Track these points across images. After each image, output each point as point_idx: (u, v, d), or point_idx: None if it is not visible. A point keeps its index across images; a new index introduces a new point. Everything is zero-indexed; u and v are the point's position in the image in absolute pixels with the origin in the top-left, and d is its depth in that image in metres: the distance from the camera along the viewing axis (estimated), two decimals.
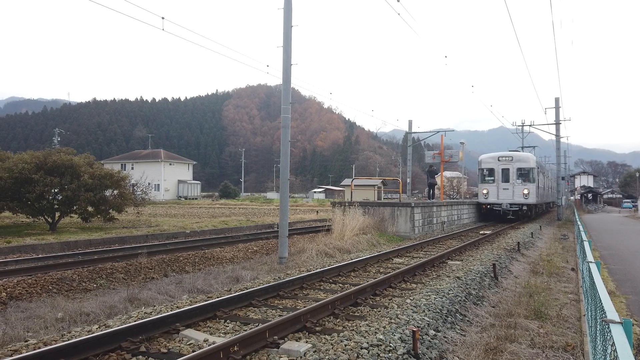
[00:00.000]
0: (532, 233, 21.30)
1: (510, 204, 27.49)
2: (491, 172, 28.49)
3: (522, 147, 42.19)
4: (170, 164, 78.66)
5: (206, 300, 7.15)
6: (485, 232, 20.85)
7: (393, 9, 13.30)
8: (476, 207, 29.98)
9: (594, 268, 5.80)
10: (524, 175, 27.82)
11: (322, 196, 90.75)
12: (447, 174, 64.50)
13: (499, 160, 28.37)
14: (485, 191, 28.40)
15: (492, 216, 29.15)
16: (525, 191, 27.29)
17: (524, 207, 27.53)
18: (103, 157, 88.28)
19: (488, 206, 28.26)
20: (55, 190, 20.53)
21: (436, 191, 28.88)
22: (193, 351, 5.03)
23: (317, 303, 6.59)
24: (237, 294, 7.32)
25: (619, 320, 3.09)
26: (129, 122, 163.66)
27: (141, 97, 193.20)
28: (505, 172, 28.01)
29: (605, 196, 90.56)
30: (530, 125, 41.17)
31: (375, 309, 6.99)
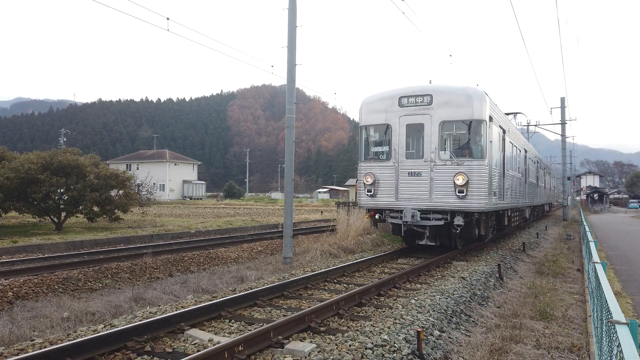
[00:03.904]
0: (537, 233, 21.22)
1: (423, 212, 11.69)
2: (383, 134, 12.56)
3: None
4: (175, 164, 78.91)
5: (211, 300, 7.17)
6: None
7: (398, 8, 13.23)
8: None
9: (600, 268, 5.78)
10: (460, 139, 11.90)
11: (326, 196, 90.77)
12: None
13: (400, 104, 12.11)
14: (368, 180, 12.28)
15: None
16: (460, 180, 11.14)
17: (458, 219, 11.32)
18: (108, 158, 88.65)
19: (377, 215, 12.67)
20: (61, 191, 20.64)
21: None
22: (198, 351, 5.04)
23: (322, 303, 6.59)
24: (241, 293, 7.33)
25: (625, 321, 3.08)
26: (134, 123, 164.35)
27: (146, 97, 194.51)
28: (415, 134, 12.27)
29: (611, 196, 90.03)
30: (535, 125, 40.97)
31: (379, 309, 6.98)
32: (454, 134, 11.65)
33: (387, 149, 12.13)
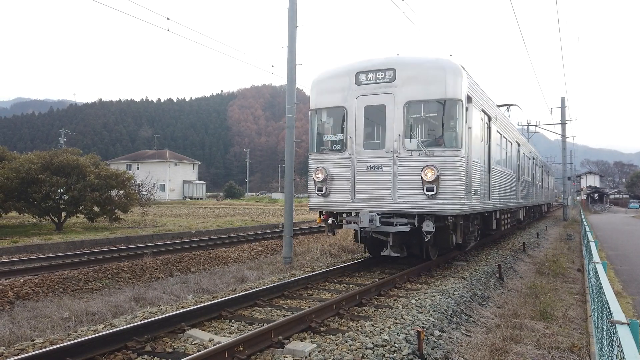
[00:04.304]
0: (537, 233, 21.22)
1: (385, 215, 9.42)
2: (339, 119, 10.30)
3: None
4: (175, 164, 78.94)
5: (211, 300, 7.17)
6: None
7: (398, 8, 13.25)
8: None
9: (600, 269, 5.78)
10: (430, 124, 9.90)
11: None
12: None
13: (358, 81, 9.85)
14: (319, 176, 10.14)
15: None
16: (429, 175, 8.87)
17: (428, 225, 9.01)
18: (109, 158, 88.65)
19: (330, 219, 10.35)
20: (62, 191, 20.66)
21: None
22: (198, 351, 5.05)
23: (322, 303, 6.59)
24: (242, 293, 7.34)
25: (625, 321, 3.08)
26: (135, 123, 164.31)
27: (146, 97, 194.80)
28: (376, 119, 10.31)
29: (611, 196, 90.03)
30: (536, 125, 40.98)
31: (380, 309, 6.98)
32: (423, 117, 9.54)
33: (342, 138, 9.96)
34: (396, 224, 9.30)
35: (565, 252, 16.01)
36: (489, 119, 11.70)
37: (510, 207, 15.38)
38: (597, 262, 6.37)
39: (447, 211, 8.87)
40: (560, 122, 36.84)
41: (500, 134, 13.41)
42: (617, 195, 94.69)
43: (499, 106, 16.07)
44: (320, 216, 10.51)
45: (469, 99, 9.50)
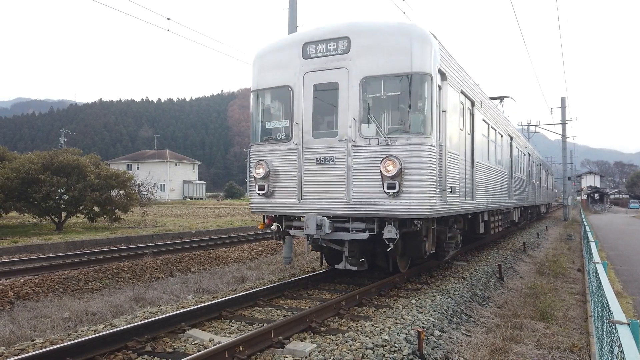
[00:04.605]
0: (538, 234, 21.22)
1: (338, 219, 7.78)
2: (284, 102, 8.47)
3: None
4: (175, 164, 78.97)
5: (211, 300, 7.17)
6: None
7: (399, 8, 13.24)
8: None
9: (600, 269, 5.78)
10: (392, 106, 8.30)
11: None
12: None
13: (306, 54, 8.10)
14: (259, 172, 8.27)
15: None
16: (390, 168, 7.16)
17: (389, 231, 7.29)
18: (109, 158, 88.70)
19: (273, 224, 8.49)
20: (62, 191, 20.68)
21: None
22: (198, 351, 5.05)
23: (322, 303, 6.59)
24: (242, 293, 7.34)
25: (625, 321, 3.08)
26: (135, 123, 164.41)
27: (147, 97, 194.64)
28: (327, 100, 8.25)
29: (612, 196, 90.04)
30: (536, 125, 41.00)
31: (380, 309, 6.97)
32: (384, 97, 7.79)
33: (287, 124, 8.22)
34: (352, 230, 7.65)
35: (565, 252, 16.00)
36: (472, 104, 10.12)
37: (502, 207, 13.90)
38: (598, 262, 6.38)
39: (412, 213, 7.18)
40: (561, 122, 36.86)
41: (488, 124, 11.86)
42: (617, 196, 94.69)
43: (492, 99, 14.99)
44: (263, 221, 8.69)
45: (443, 75, 7.96)
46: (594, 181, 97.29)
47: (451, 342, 5.85)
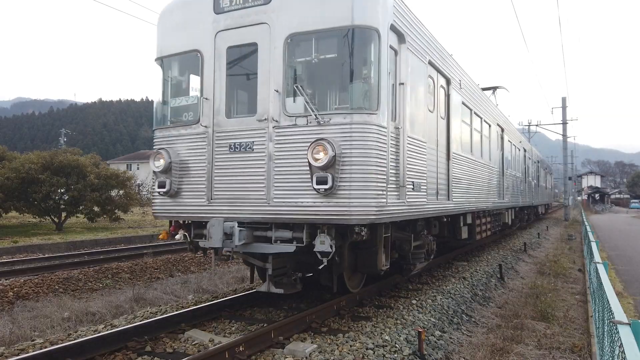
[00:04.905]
0: (538, 234, 21.21)
1: (257, 226, 5.94)
2: (194, 72, 6.63)
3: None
4: None
5: (211, 300, 7.16)
6: None
7: None
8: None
9: (601, 269, 5.77)
10: (327, 73, 6.28)
11: None
12: None
13: (218, 9, 6.21)
14: (159, 164, 6.36)
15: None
16: (321, 156, 5.22)
17: (322, 242, 5.43)
18: (109, 158, 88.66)
19: (180, 233, 6.66)
20: (62, 191, 20.69)
21: None
22: (198, 351, 5.04)
23: (323, 304, 6.58)
24: (242, 294, 7.33)
25: (626, 322, 3.07)
26: (135, 122, 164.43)
27: (147, 97, 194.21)
28: (246, 68, 6.43)
29: (612, 196, 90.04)
30: (537, 125, 41.04)
31: (380, 310, 6.96)
32: (315, 60, 6.00)
33: (195, 101, 6.52)
34: (275, 241, 5.83)
35: (566, 253, 15.99)
36: (448, 81, 8.32)
37: (490, 208, 12.13)
38: (598, 262, 6.37)
39: (353, 217, 5.36)
40: (562, 122, 36.83)
41: (470, 110, 9.96)
42: (618, 196, 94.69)
43: (485, 89, 13.25)
44: (169, 227, 6.77)
45: (400, 36, 6.18)
46: (594, 181, 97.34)
47: (452, 342, 5.85)
